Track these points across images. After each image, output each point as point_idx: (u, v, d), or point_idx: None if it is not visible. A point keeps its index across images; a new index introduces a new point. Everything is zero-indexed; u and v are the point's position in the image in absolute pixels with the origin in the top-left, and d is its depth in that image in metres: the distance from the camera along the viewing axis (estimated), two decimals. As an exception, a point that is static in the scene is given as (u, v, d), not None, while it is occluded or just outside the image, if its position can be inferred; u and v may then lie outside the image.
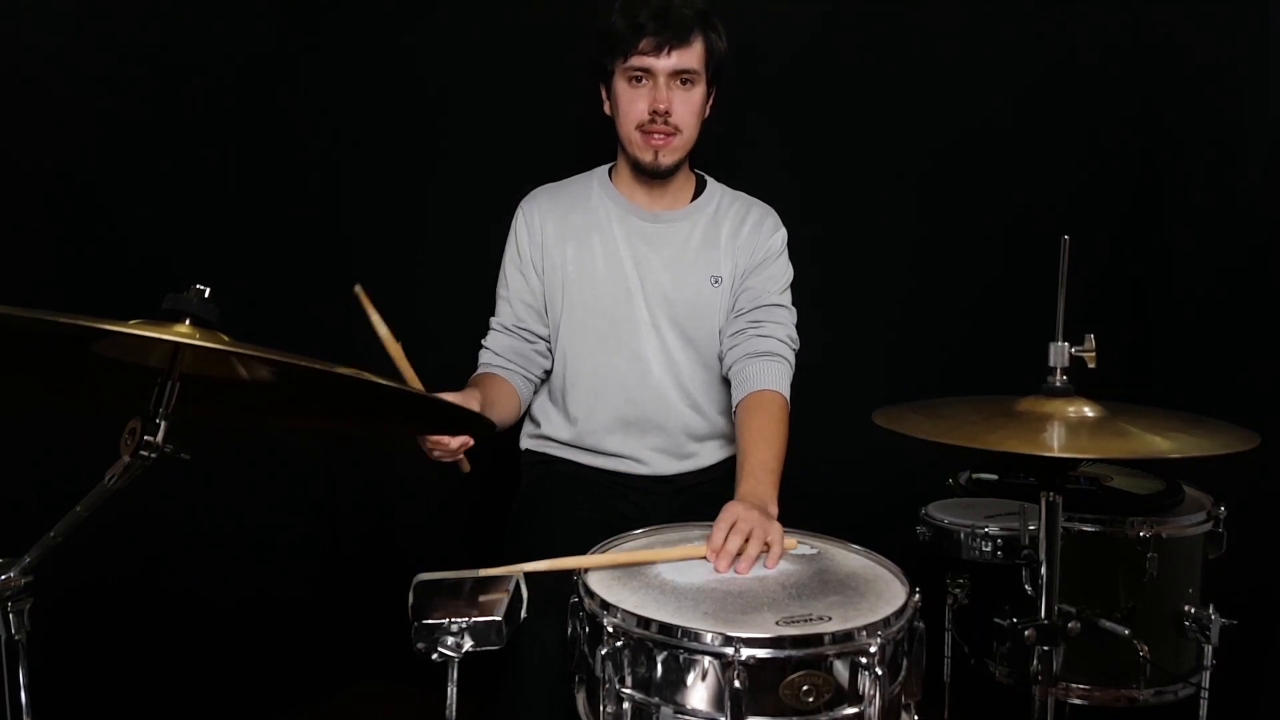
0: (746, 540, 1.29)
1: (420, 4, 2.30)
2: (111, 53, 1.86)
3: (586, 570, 1.27)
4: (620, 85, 1.70)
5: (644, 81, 1.67)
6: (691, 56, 1.67)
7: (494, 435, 1.52)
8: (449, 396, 1.49)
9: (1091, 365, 1.32)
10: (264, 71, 2.19)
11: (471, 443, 1.52)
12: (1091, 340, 1.33)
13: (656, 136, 1.69)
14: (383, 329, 1.45)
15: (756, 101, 2.18)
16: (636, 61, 1.65)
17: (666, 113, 1.67)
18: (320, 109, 2.32)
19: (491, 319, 1.83)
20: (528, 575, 1.28)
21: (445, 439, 1.49)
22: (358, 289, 1.44)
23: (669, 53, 1.65)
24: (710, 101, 1.76)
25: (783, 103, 2.22)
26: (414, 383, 1.47)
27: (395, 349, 1.47)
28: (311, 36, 2.29)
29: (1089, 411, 1.32)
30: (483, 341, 1.81)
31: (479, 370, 1.78)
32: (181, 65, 1.98)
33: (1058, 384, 1.35)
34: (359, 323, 1.45)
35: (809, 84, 2.20)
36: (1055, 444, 1.24)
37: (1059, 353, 1.35)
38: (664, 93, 1.66)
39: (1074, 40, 2.11)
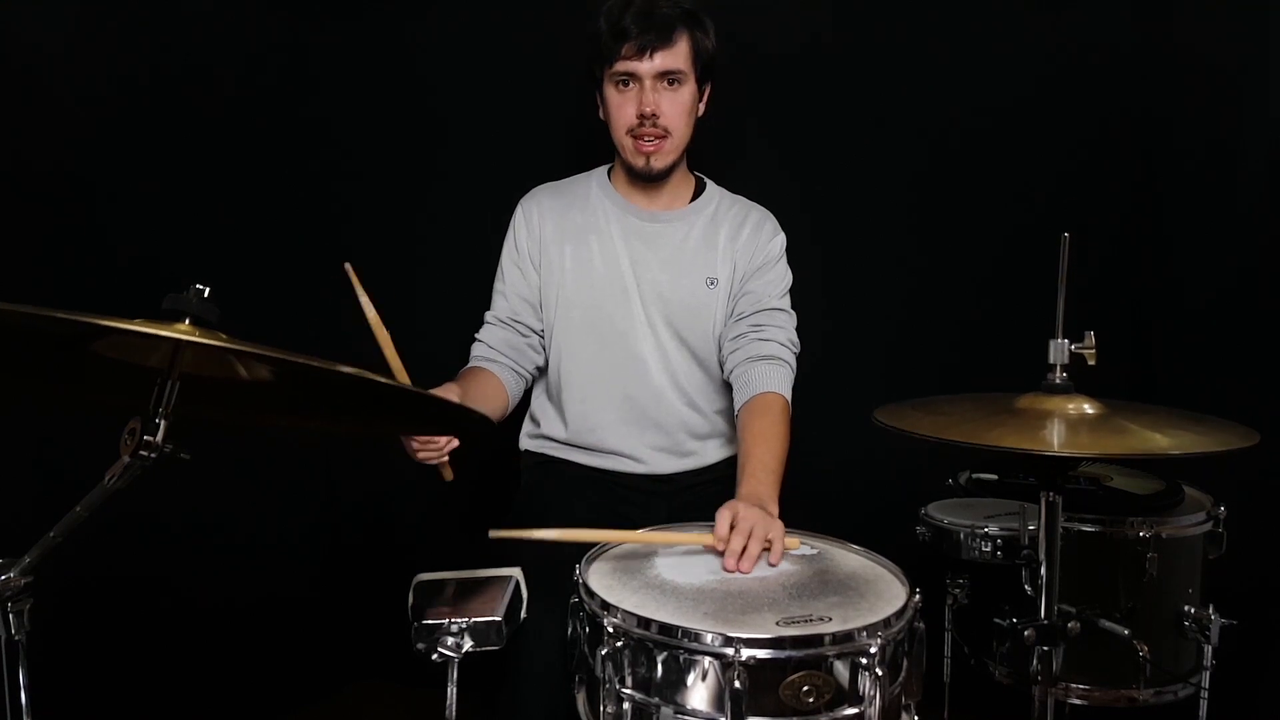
0: (749, 537, 1.29)
1: (419, 4, 2.30)
2: (111, 52, 1.86)
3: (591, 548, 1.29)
4: (608, 90, 1.69)
5: (630, 85, 1.67)
6: (676, 56, 1.66)
7: (491, 433, 1.51)
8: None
9: (1091, 362, 1.32)
10: (263, 72, 2.19)
11: (457, 443, 1.50)
12: (1091, 337, 1.33)
13: (646, 141, 1.68)
14: (371, 311, 1.42)
15: (755, 97, 2.18)
16: (621, 66, 1.65)
17: (654, 115, 1.66)
18: (319, 109, 2.31)
19: (486, 313, 1.83)
20: (528, 575, 1.28)
21: (434, 438, 1.48)
22: (347, 266, 1.40)
23: (652, 55, 1.63)
24: (704, 99, 1.76)
25: (781, 100, 2.21)
26: (400, 373, 1.45)
27: (383, 335, 1.44)
28: (310, 37, 2.29)
29: (1089, 408, 1.32)
30: (475, 335, 1.81)
31: (469, 364, 1.78)
32: (181, 65, 1.98)
33: (1057, 381, 1.35)
34: (359, 325, 1.44)
35: (808, 81, 2.20)
36: (1055, 441, 1.24)
37: (1059, 350, 1.35)
38: (650, 95, 1.65)
39: (1074, 39, 2.11)
